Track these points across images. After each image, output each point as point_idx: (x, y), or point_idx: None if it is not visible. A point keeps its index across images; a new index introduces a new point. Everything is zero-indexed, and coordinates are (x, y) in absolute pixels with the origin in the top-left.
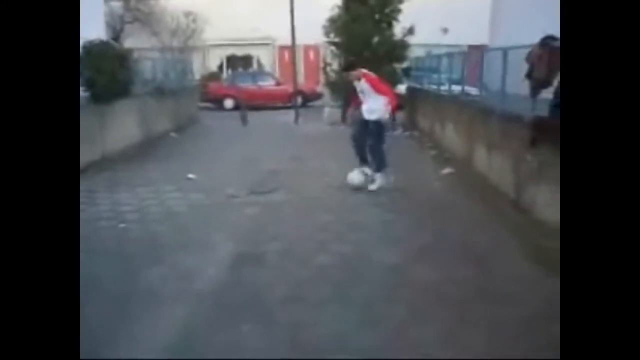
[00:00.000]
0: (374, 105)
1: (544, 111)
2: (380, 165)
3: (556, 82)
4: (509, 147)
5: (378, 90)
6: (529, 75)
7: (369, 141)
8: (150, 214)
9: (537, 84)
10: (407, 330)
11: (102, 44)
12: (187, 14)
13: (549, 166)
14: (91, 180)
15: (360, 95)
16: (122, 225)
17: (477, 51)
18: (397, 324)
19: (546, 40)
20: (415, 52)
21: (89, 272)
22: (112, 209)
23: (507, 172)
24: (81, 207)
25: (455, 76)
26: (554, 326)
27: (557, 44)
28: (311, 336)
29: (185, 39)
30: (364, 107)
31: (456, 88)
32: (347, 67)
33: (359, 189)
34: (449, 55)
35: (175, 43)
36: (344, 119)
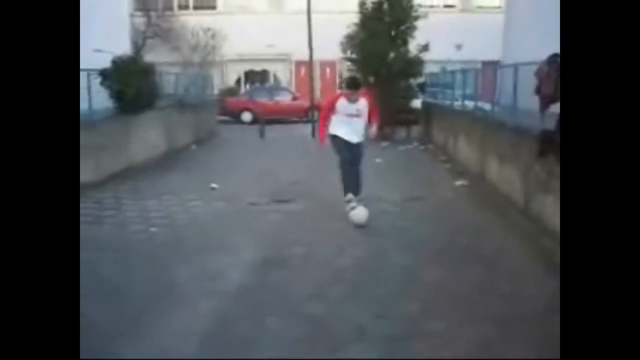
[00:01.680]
0: (360, 127)
1: (552, 125)
2: (359, 188)
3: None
4: (518, 159)
5: (372, 110)
6: (537, 91)
7: (358, 165)
8: (178, 219)
9: (546, 100)
10: (419, 323)
11: (130, 59)
12: (206, 31)
13: (555, 176)
14: (119, 188)
15: (343, 117)
16: (152, 229)
17: (490, 67)
18: (409, 317)
19: (553, 58)
20: (430, 68)
21: (126, 271)
22: (141, 215)
23: (516, 183)
24: (111, 212)
25: (468, 92)
26: (554, 318)
27: None
28: (330, 328)
29: (204, 54)
30: (348, 129)
31: (470, 103)
32: (355, 84)
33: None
34: (463, 71)
35: (195, 58)
36: (322, 141)
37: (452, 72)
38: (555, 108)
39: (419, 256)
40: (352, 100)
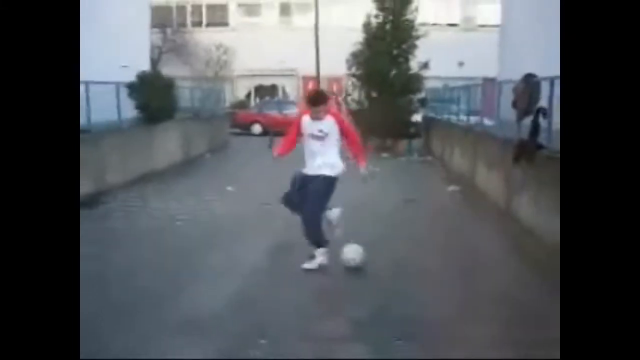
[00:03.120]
0: (333, 158)
1: (525, 134)
2: (323, 239)
3: (534, 110)
4: (502, 166)
5: (348, 134)
6: (514, 105)
7: (311, 206)
8: (199, 216)
9: (521, 112)
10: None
11: (152, 74)
12: (218, 47)
13: (530, 178)
14: (144, 190)
15: (308, 139)
16: (178, 223)
17: (490, 84)
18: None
19: (527, 77)
20: (432, 84)
21: (159, 254)
22: (165, 212)
23: (500, 187)
24: (139, 209)
25: (470, 107)
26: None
27: (536, 79)
28: (328, 295)
29: (216, 69)
30: (317, 160)
31: (474, 118)
32: (317, 99)
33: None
34: (465, 87)
35: (208, 73)
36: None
37: (452, 89)
38: (528, 120)
39: (408, 246)
40: (315, 117)
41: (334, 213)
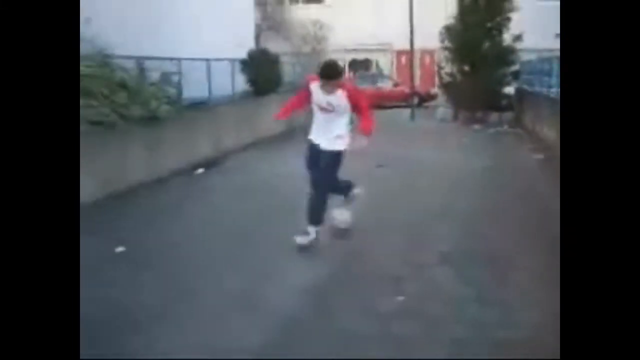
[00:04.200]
0: (341, 130)
1: None
2: (347, 188)
3: None
4: None
5: (361, 108)
6: None
7: (325, 179)
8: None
9: None
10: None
11: (260, 51)
12: (315, 23)
13: None
14: (254, 151)
15: (320, 113)
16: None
17: None
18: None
19: None
20: (527, 57)
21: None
22: (274, 170)
23: None
24: (257, 165)
25: None
26: None
27: None
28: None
29: (313, 45)
30: (318, 128)
31: None
32: (331, 73)
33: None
34: (557, 59)
35: (304, 49)
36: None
37: (545, 60)
38: None
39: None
40: (326, 90)
41: (342, 215)
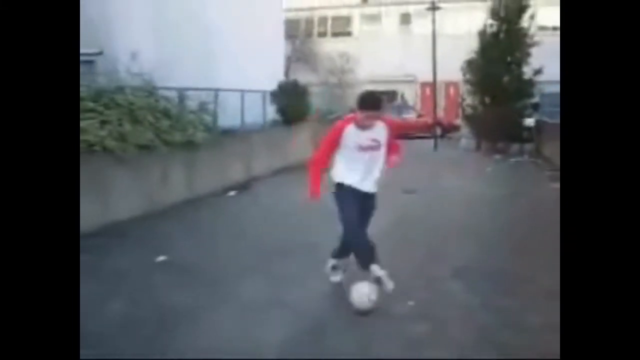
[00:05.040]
0: (377, 166)
1: None
2: (371, 250)
3: None
4: None
5: (392, 144)
6: None
7: (365, 229)
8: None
9: None
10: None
11: (290, 82)
12: (342, 55)
13: None
14: (283, 176)
15: (352, 152)
16: None
17: None
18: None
19: None
20: (549, 89)
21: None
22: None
23: None
24: (283, 191)
25: None
26: None
27: None
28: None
29: (340, 76)
30: (359, 171)
31: None
32: (375, 102)
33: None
34: None
35: (332, 80)
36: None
37: None
38: None
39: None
40: (366, 126)
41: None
